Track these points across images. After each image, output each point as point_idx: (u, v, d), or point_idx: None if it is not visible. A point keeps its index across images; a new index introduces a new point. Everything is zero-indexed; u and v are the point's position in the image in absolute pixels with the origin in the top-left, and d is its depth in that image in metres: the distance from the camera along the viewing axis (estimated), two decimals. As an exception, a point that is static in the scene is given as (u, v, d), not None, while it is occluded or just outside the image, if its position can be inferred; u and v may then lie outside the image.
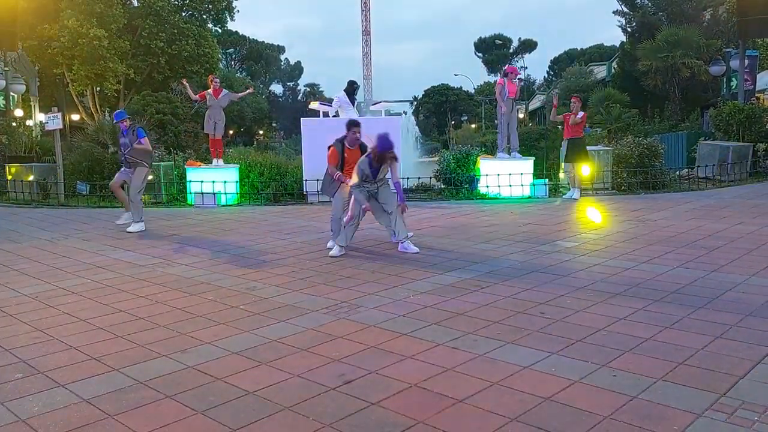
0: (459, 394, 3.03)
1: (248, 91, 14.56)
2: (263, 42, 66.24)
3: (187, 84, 12.40)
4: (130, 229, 8.32)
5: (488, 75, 72.27)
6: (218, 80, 11.73)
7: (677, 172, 13.27)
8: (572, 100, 11.23)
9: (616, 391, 2.99)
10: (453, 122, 56.59)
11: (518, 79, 12.11)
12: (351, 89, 12.20)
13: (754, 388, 2.99)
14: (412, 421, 2.77)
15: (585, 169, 11.09)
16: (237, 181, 11.93)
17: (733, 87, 18.28)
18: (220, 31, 35.60)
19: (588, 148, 12.02)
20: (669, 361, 3.35)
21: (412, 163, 15.86)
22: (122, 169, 8.64)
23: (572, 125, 10.87)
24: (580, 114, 10.92)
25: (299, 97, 66.47)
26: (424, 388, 3.12)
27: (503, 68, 13.52)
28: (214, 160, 11.94)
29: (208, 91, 11.62)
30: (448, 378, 3.24)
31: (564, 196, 11.21)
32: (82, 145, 14.09)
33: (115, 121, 8.57)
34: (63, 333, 4.15)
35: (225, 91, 11.89)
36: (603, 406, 2.84)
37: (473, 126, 49.65)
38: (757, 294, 4.55)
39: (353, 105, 12.20)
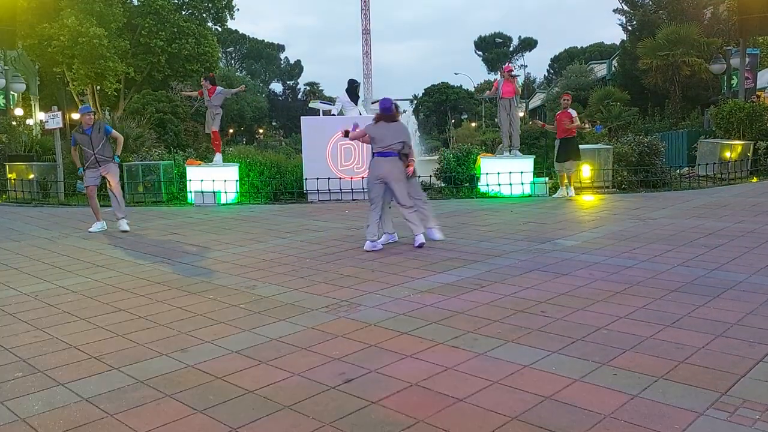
0: (459, 393, 3.02)
1: (240, 88, 14.26)
2: (263, 41, 66.32)
3: (184, 92, 12.47)
4: (124, 228, 8.28)
5: (488, 73, 72.31)
6: (208, 82, 11.66)
7: (678, 171, 13.26)
8: (563, 97, 11.10)
9: (616, 390, 2.99)
10: (453, 121, 56.58)
11: (513, 75, 11.88)
12: (351, 88, 12.23)
13: (755, 386, 2.99)
14: (412, 420, 2.77)
15: (569, 165, 10.91)
16: (237, 180, 11.93)
17: (734, 85, 18.27)
18: (220, 29, 35.53)
19: (589, 146, 12.02)
20: (670, 359, 3.34)
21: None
22: (88, 173, 8.33)
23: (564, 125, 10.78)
24: (573, 112, 10.83)
25: (299, 96, 66.36)
26: (424, 387, 3.12)
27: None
28: (216, 155, 11.94)
29: (206, 84, 11.72)
30: (449, 377, 3.23)
31: (555, 195, 11.14)
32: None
33: (81, 113, 8.28)
34: (63, 332, 4.15)
35: (218, 88, 11.87)
36: (604, 405, 2.84)
37: (473, 124, 49.66)
38: (758, 292, 4.54)
39: (356, 103, 12.22)
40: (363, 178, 11.44)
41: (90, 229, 8.38)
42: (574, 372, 3.21)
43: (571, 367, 3.27)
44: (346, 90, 12.27)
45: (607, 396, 2.93)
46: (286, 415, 2.86)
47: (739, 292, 4.56)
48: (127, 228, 8.29)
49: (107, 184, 8.52)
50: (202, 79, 12.00)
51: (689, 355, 3.39)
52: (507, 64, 14.36)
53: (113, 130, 8.40)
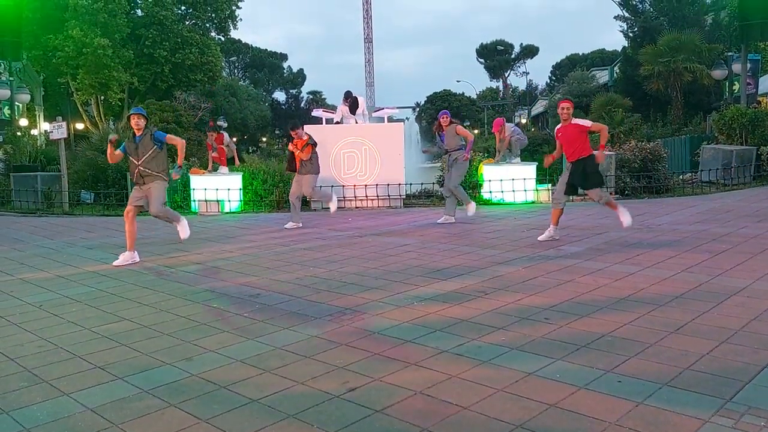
0: (463, 401, 3.02)
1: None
2: (266, 50, 66.46)
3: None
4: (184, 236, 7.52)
5: (490, 81, 72.52)
6: (214, 132, 12.22)
7: (680, 176, 13.25)
8: (561, 105, 7.12)
9: (621, 397, 2.98)
10: (456, 128, 56.50)
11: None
12: (346, 101, 12.36)
13: (760, 393, 2.98)
14: (416, 428, 2.77)
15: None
16: (240, 189, 11.96)
17: (736, 91, 18.28)
18: (222, 39, 35.79)
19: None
20: (674, 366, 3.33)
21: (414, 169, 15.91)
22: (133, 191, 7.19)
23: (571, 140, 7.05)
24: (585, 122, 7.22)
25: (302, 105, 66.50)
26: (428, 395, 3.12)
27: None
28: (220, 167, 11.99)
29: (212, 136, 12.16)
30: (453, 385, 3.23)
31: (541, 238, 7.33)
32: (86, 154, 14.21)
33: (129, 114, 7.11)
34: (67, 341, 4.16)
35: (226, 137, 12.27)
36: (608, 413, 2.83)
37: (476, 131, 49.67)
38: (761, 298, 4.53)
39: (353, 113, 12.32)
40: (366, 186, 11.54)
41: (116, 263, 6.73)
42: (578, 379, 3.21)
43: (575, 375, 3.27)
44: (345, 102, 12.43)
45: (612, 403, 2.93)
46: (290, 423, 2.87)
47: (744, 298, 4.55)
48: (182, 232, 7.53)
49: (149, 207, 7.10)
50: (210, 131, 12.39)
51: (694, 362, 3.38)
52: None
53: (168, 135, 7.03)
